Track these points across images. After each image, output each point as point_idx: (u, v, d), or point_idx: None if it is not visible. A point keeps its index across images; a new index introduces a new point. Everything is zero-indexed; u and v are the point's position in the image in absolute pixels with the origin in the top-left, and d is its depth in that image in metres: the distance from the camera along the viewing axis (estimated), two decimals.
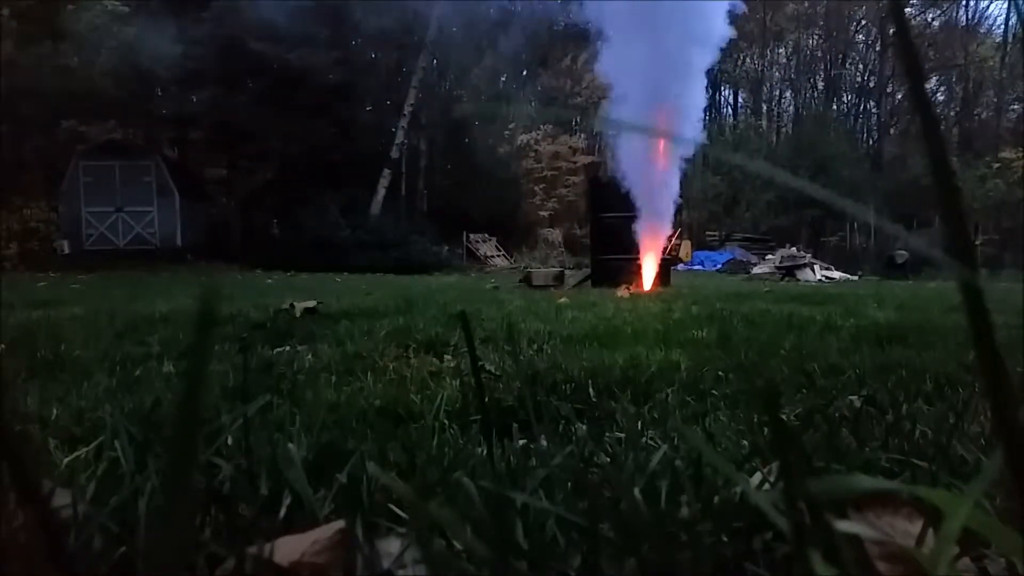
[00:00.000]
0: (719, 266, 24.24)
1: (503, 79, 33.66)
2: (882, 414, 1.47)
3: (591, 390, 1.80)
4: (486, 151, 29.64)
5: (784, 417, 1.38)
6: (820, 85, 43.35)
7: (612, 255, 10.32)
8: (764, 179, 28.84)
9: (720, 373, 2.03)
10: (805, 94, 43.18)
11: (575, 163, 31.27)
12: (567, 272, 11.20)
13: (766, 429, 1.27)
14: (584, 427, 1.38)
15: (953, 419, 1.25)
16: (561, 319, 3.86)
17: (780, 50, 43.60)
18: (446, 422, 1.37)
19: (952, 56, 39.49)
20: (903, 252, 18.30)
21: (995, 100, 39.26)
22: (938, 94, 40.79)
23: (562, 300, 5.41)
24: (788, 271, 16.45)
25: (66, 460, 0.96)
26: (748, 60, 42.04)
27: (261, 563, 0.58)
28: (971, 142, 36.16)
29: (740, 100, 44.58)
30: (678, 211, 11.06)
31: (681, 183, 10.72)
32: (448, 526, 0.55)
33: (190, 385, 0.31)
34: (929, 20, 40.38)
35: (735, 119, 43.26)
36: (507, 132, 31.48)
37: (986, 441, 1.03)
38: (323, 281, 11.84)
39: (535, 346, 2.71)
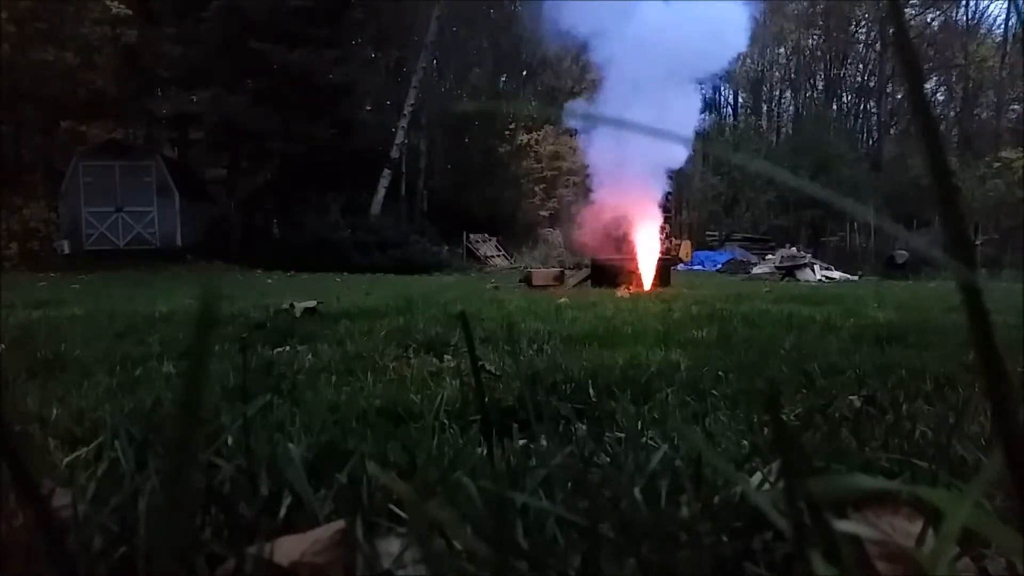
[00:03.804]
0: (719, 266, 24.24)
1: (503, 79, 33.65)
2: (882, 414, 1.47)
3: (591, 390, 1.80)
4: (486, 151, 29.63)
5: (784, 417, 1.38)
6: (820, 85, 43.37)
7: (611, 256, 10.35)
8: (764, 179, 28.85)
9: (720, 373, 2.03)
10: (805, 94, 43.20)
11: (575, 163, 31.25)
12: (567, 272, 11.19)
13: (766, 429, 1.27)
14: (584, 427, 1.38)
15: (953, 419, 1.25)
16: (561, 319, 3.86)
17: (780, 50, 43.60)
18: (446, 422, 1.37)
19: (952, 56, 39.48)
20: (903, 252, 18.30)
21: (995, 100, 39.25)
22: (938, 94, 40.81)
23: (562, 300, 5.41)
24: (788, 271, 16.46)
25: (66, 460, 0.96)
26: (748, 60, 42.04)
27: (261, 563, 0.58)
28: (971, 142, 36.16)
29: (740, 100, 44.63)
30: (671, 210, 11.21)
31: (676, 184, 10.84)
32: (448, 526, 0.55)
33: (190, 385, 0.31)
34: (929, 20, 40.38)
35: (735, 119, 43.27)
36: (507, 132, 31.48)
37: (986, 441, 1.03)
38: (323, 281, 11.84)
39: (535, 346, 2.71)
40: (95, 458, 0.94)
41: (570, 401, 1.71)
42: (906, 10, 35.58)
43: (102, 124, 22.20)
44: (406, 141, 25.57)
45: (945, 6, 40.26)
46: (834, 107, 41.80)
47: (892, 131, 40.25)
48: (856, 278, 17.26)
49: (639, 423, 1.40)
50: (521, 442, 1.05)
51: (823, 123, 36.99)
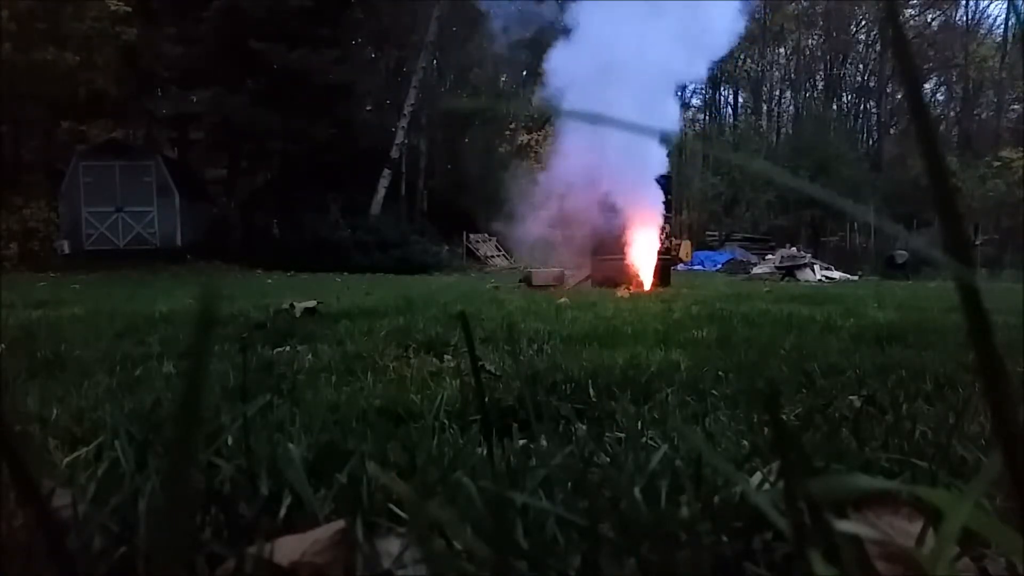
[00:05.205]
0: (719, 266, 24.25)
1: (503, 79, 33.64)
2: (882, 414, 1.47)
3: (591, 390, 1.80)
4: (486, 151, 29.61)
5: (784, 417, 1.38)
6: (820, 85, 43.38)
7: (611, 255, 10.35)
8: (764, 179, 28.86)
9: (720, 373, 2.03)
10: (805, 94, 43.20)
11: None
12: (567, 272, 11.20)
13: (766, 429, 1.27)
14: (584, 427, 1.38)
15: (953, 419, 1.25)
16: (561, 319, 3.86)
17: (780, 50, 43.62)
18: (446, 422, 1.37)
19: (952, 56, 39.49)
20: (903, 252, 18.32)
21: (995, 100, 39.26)
22: (938, 94, 40.84)
23: (562, 300, 5.41)
24: (788, 271, 16.45)
25: (66, 460, 0.96)
26: (748, 60, 42.05)
27: (261, 563, 0.58)
28: (971, 142, 36.16)
29: (740, 100, 44.64)
30: (670, 208, 11.15)
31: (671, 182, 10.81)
32: (448, 526, 0.55)
33: (190, 385, 0.31)
34: (929, 20, 40.39)
35: (735, 119, 43.29)
36: (507, 132, 31.46)
37: (986, 441, 1.03)
38: (323, 281, 11.84)
39: (535, 346, 2.71)
40: (95, 458, 0.94)
41: (570, 401, 1.71)
42: (906, 10, 35.59)
43: (102, 124, 22.19)
44: (406, 141, 25.57)
45: (945, 6, 40.27)
46: (834, 107, 41.81)
47: (892, 131, 40.26)
48: (856, 278, 17.27)
49: (639, 423, 1.40)
50: (521, 442, 1.05)
51: (823, 123, 36.99)
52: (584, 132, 9.84)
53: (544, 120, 30.83)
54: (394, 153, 24.85)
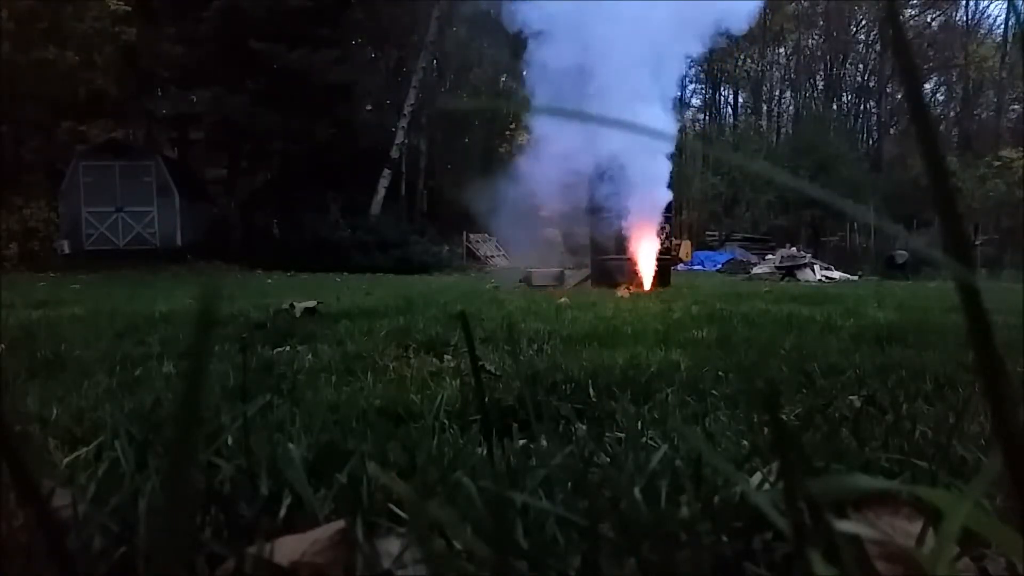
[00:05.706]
0: (719, 266, 24.24)
1: (503, 79, 33.63)
2: (882, 414, 1.47)
3: (591, 390, 1.80)
4: (486, 151, 29.60)
5: (784, 417, 1.38)
6: (820, 85, 43.38)
7: (611, 255, 10.34)
8: (764, 179, 28.87)
9: (720, 373, 2.03)
10: (805, 94, 43.20)
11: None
12: (567, 272, 11.20)
13: (766, 429, 1.27)
14: (584, 427, 1.38)
15: (953, 419, 1.25)
16: (561, 319, 3.86)
17: (780, 50, 43.62)
18: (446, 422, 1.37)
19: (952, 56, 39.49)
20: (903, 252, 18.30)
21: (995, 100, 39.26)
22: (938, 94, 40.84)
23: (562, 300, 5.40)
24: (788, 271, 16.43)
25: (66, 460, 0.96)
26: (748, 60, 42.05)
27: (261, 563, 0.58)
28: (971, 142, 36.16)
29: (740, 100, 44.64)
30: (673, 210, 11.12)
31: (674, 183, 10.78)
32: (448, 526, 0.55)
33: (190, 385, 0.31)
34: (929, 20, 40.40)
35: (735, 119, 43.30)
36: (508, 132, 31.45)
37: (986, 441, 1.03)
38: (323, 281, 11.84)
39: (535, 346, 2.71)
40: (95, 458, 0.94)
41: (570, 401, 1.71)
42: (906, 10, 35.60)
43: (102, 124, 22.19)
44: (406, 141, 25.56)
45: (945, 6, 40.27)
46: (834, 107, 41.81)
47: (892, 131, 40.25)
48: (856, 278, 17.25)
49: (639, 423, 1.40)
50: (521, 442, 1.06)
51: (823, 123, 36.99)
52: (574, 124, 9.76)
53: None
54: (394, 153, 24.84)
